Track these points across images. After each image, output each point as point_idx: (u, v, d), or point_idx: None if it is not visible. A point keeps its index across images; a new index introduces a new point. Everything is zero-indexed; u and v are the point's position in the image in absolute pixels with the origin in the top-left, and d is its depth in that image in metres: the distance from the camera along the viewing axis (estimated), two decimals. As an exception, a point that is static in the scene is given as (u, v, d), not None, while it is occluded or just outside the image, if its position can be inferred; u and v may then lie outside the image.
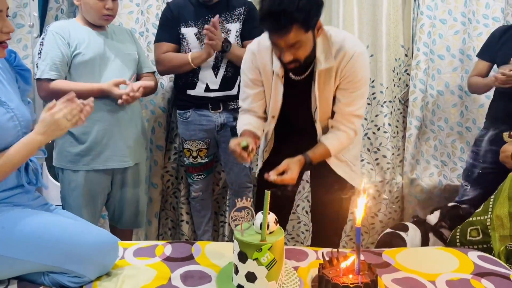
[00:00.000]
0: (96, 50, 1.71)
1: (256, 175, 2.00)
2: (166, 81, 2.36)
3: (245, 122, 1.67)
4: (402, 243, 2.10)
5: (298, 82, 1.62)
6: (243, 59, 1.69)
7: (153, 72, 2.01)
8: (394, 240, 2.12)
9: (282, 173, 1.50)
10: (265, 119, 1.72)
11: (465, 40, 2.50)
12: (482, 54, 2.24)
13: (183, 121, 2.17)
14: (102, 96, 1.68)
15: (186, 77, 2.08)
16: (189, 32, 2.03)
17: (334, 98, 1.63)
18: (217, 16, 1.92)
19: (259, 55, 1.62)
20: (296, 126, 1.72)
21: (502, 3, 2.45)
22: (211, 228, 2.42)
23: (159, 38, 2.08)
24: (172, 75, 2.30)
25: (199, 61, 1.98)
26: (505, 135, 2.05)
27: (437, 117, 2.56)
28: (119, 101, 1.68)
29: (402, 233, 2.15)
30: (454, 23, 2.49)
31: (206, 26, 1.88)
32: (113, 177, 1.84)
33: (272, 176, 1.48)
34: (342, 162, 1.72)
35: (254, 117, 1.70)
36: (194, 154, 2.18)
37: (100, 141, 1.73)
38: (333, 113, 1.65)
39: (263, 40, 1.60)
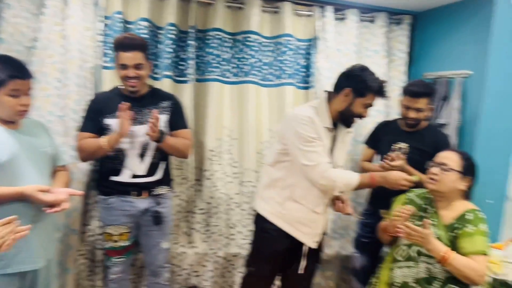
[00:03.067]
0: (11, 151, 1.67)
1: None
2: (84, 164, 2.38)
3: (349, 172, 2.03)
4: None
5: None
6: (303, 126, 1.91)
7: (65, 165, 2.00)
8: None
9: None
10: None
11: (356, 128, 2.89)
12: (367, 142, 2.67)
13: (105, 207, 2.20)
14: (22, 199, 1.64)
15: (111, 164, 2.14)
16: (114, 122, 2.09)
17: None
18: (156, 110, 2.06)
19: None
20: None
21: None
22: (128, 310, 2.41)
23: (82, 128, 2.13)
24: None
25: (113, 143, 2.04)
26: (382, 212, 2.45)
27: (335, 193, 2.92)
28: (48, 210, 1.69)
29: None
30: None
31: (150, 120, 2.00)
32: (25, 277, 1.78)
33: None
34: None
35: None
36: (116, 238, 2.20)
37: (15, 244, 1.68)
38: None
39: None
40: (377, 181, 1.94)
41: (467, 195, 1.95)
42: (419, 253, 1.87)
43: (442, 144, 2.33)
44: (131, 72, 2.06)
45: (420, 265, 1.86)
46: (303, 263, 2.08)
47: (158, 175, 2.23)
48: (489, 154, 2.43)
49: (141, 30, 2.51)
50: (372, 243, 2.51)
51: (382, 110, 2.95)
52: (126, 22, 2.57)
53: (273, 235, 2.05)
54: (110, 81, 2.50)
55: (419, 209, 1.97)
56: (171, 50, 2.60)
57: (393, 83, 3.01)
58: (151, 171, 2.19)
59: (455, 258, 1.75)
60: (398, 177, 1.92)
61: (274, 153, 2.06)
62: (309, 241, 2.05)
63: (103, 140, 2.04)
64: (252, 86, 2.77)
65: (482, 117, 2.42)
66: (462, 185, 1.88)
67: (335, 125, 2.02)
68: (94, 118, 2.12)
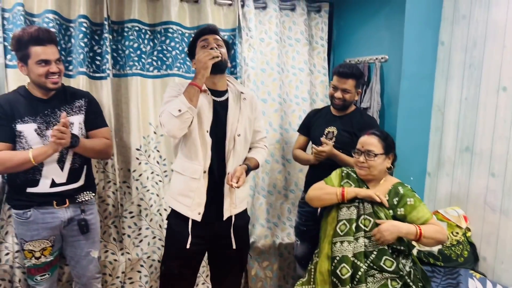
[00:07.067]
0: None
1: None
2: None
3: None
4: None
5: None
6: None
7: None
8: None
9: None
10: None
11: (283, 117, 2.95)
12: (300, 129, 2.70)
13: (22, 222, 1.98)
14: None
15: (25, 174, 1.92)
16: (27, 129, 1.89)
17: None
18: (64, 113, 1.87)
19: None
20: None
21: (307, 86, 2.99)
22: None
23: None
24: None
25: (43, 158, 1.87)
26: None
27: (266, 183, 2.92)
28: None
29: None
30: (273, 102, 2.92)
31: (55, 127, 1.80)
32: None
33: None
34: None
35: None
36: (37, 254, 2.00)
37: None
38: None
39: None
40: (192, 84, 1.78)
41: (390, 170, 2.07)
42: (357, 229, 1.93)
43: (368, 124, 2.37)
44: (54, 67, 1.89)
45: (359, 240, 1.91)
46: (189, 239, 1.92)
47: (80, 181, 2.06)
48: (410, 133, 2.55)
49: (48, 24, 2.28)
50: (310, 231, 2.54)
51: (307, 98, 2.99)
52: (30, 14, 2.32)
53: (176, 230, 1.98)
54: (14, 81, 2.25)
55: (357, 184, 2.06)
56: (83, 44, 2.40)
57: (316, 70, 3.06)
58: (72, 177, 2.02)
59: (426, 230, 1.86)
60: (201, 56, 1.78)
61: None
62: (192, 213, 1.91)
63: (30, 154, 1.83)
64: (176, 79, 2.65)
65: (400, 99, 2.53)
66: (388, 163, 2.03)
67: (224, 93, 1.97)
68: (5, 124, 1.88)
